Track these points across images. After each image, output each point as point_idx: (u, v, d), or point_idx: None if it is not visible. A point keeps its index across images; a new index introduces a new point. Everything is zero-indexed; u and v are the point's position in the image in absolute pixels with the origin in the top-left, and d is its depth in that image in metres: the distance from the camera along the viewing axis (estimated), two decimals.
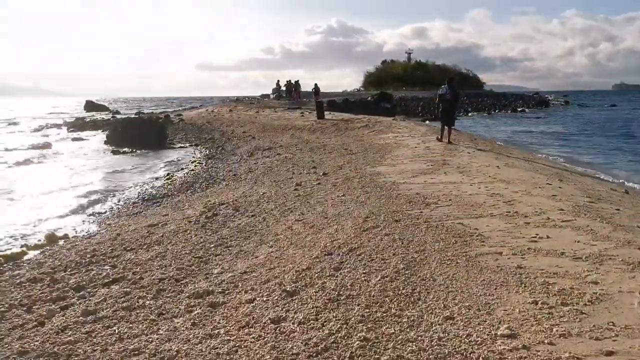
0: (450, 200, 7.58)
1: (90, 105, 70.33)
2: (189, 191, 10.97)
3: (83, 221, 8.94)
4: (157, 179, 13.48)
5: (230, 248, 6.11)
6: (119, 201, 10.55)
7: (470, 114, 52.63)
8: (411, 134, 18.05)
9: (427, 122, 35.93)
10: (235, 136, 23.76)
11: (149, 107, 78.68)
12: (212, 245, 6.27)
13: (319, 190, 9.31)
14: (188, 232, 7.09)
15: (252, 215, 7.77)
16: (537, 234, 5.45)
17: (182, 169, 15.48)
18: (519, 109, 60.78)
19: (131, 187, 12.30)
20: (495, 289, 4.09)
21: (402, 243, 5.52)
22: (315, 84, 37.60)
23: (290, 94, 41.61)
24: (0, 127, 37.43)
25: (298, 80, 40.33)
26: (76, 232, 8.06)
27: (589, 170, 14.56)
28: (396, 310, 3.81)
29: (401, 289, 4.22)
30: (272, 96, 46.24)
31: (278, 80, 45.48)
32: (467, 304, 3.82)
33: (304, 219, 7.21)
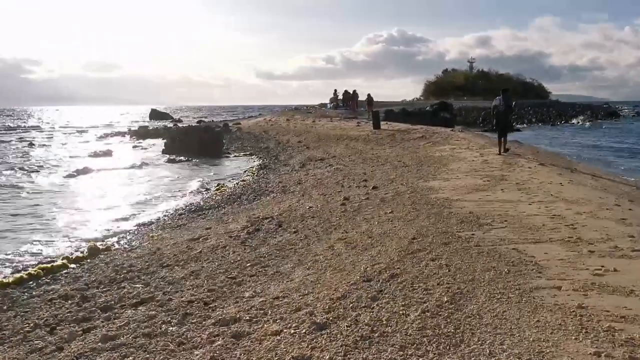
0: (505, 221, 7.02)
1: (155, 114, 72.72)
2: (235, 203, 10.81)
3: (128, 232, 8.93)
4: (207, 189, 13.45)
5: (266, 268, 5.82)
6: (167, 212, 10.53)
7: (533, 125, 50.70)
8: (469, 145, 17.34)
9: (488, 133, 34.78)
10: (290, 146, 23.69)
11: (211, 116, 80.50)
12: (248, 265, 6.00)
13: (367, 206, 8.92)
14: (227, 248, 6.87)
15: (295, 232, 7.47)
16: (603, 266, 4.84)
17: (234, 179, 15.45)
18: (588, 121, 58.06)
19: (181, 196, 12.30)
20: (551, 333, 3.57)
21: (449, 270, 5.06)
22: (369, 94, 37.14)
23: (347, 104, 41.31)
24: (69, 135, 39.10)
25: (355, 90, 39.95)
26: (119, 244, 8.02)
27: None
28: (434, 354, 3.38)
29: (442, 327, 3.78)
30: (329, 105, 46.08)
31: (335, 90, 45.26)
32: (517, 351, 3.33)
33: (347, 237, 6.84)
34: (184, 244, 7.39)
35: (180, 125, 48.85)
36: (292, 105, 74.82)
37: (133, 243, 7.96)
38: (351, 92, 40.75)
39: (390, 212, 8.18)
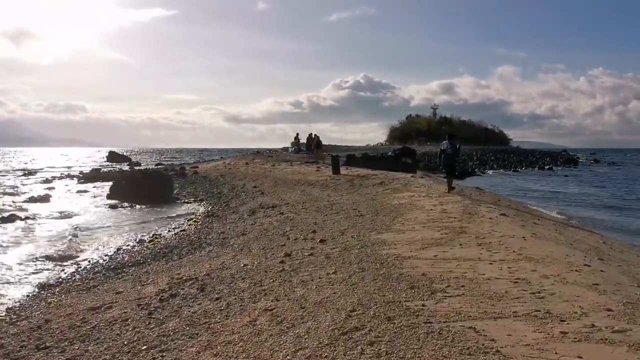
0: (462, 286, 5.99)
1: (113, 156, 70.81)
2: (164, 259, 9.58)
3: (27, 296, 7.59)
4: (141, 240, 12.13)
5: (163, 354, 4.61)
6: (83, 269, 9.21)
7: (495, 170, 50.87)
8: (428, 193, 16.49)
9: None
10: (244, 191, 22.54)
11: (172, 159, 78.88)
12: (143, 348, 4.78)
13: (308, 264, 7.80)
14: (128, 322, 5.63)
15: (217, 299, 6.28)
16: (581, 356, 3.82)
17: (175, 228, 14.18)
18: (547, 167, 58.77)
19: (107, 250, 10.96)
20: None
21: None
22: (315, 135, 36.30)
23: (309, 148, 40.52)
24: (15, 177, 37.08)
25: (317, 135, 39.27)
26: (7, 312, 6.68)
27: (636, 241, 12.77)
28: None
29: None
30: (290, 150, 45.27)
31: (297, 134, 44.55)
32: None
33: (275, 307, 5.69)
34: (80, 314, 6.12)
35: (137, 168, 47.25)
36: (258, 148, 73.92)
37: (23, 312, 6.63)
38: (313, 136, 40.02)
39: (333, 273, 7.08)
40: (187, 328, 5.27)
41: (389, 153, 42.01)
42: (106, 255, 10.42)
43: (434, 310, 5.12)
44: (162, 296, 6.53)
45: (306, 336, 4.67)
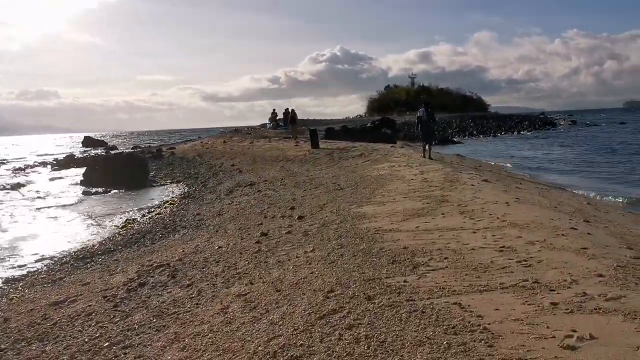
0: (446, 258, 5.69)
1: (88, 141, 69.21)
2: (136, 245, 9.17)
3: None
4: (113, 225, 11.69)
5: (126, 351, 4.25)
6: (50, 260, 8.76)
7: (474, 137, 50.83)
8: (408, 162, 16.21)
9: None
10: (222, 170, 22.09)
11: (149, 141, 77.58)
12: (105, 345, 4.41)
13: (286, 243, 7.47)
14: (91, 316, 5.25)
15: (188, 286, 5.92)
16: (574, 330, 3.53)
17: (150, 212, 13.72)
18: (526, 131, 58.94)
19: (77, 238, 10.50)
20: None
21: (368, 347, 3.64)
22: (291, 110, 35.42)
23: (287, 123, 39.95)
24: None
25: (294, 109, 38.61)
26: None
27: (617, 201, 12.62)
28: None
29: None
30: (269, 125, 44.65)
31: (274, 109, 43.95)
32: None
33: (249, 292, 5.35)
34: (42, 310, 5.72)
35: (113, 152, 46.26)
36: (236, 126, 72.79)
37: None
38: (290, 111, 39.39)
39: (311, 251, 6.75)
40: (154, 320, 4.91)
41: (368, 124, 41.61)
42: (76, 244, 9.96)
43: (417, 287, 4.81)
44: (129, 286, 6.15)
45: (280, 322, 4.33)
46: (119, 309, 5.37)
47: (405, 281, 5.01)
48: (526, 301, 4.17)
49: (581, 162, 24.50)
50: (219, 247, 7.82)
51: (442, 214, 8.37)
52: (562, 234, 6.41)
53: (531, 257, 5.42)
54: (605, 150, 29.87)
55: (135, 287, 6.11)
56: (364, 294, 4.76)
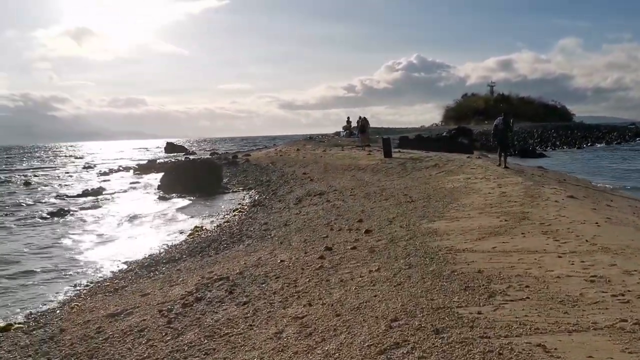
0: (527, 287, 5.07)
1: (170, 147, 72.03)
2: (200, 254, 9.06)
3: (53, 299, 7.19)
4: (181, 232, 11.72)
5: None
6: (115, 267, 8.80)
7: (558, 149, 48.26)
8: (486, 175, 15.34)
9: (508, 158, 32.63)
10: (293, 178, 21.99)
11: (227, 147, 79.61)
12: None
13: (350, 260, 7.04)
14: (143, 333, 5.06)
15: (244, 304, 5.63)
16: None
17: (219, 219, 13.72)
18: (615, 142, 55.33)
19: (145, 245, 10.56)
20: None
21: None
22: (363, 118, 34.71)
23: (360, 131, 39.55)
24: (76, 171, 38.10)
25: (365, 118, 38.16)
26: (28, 319, 6.28)
27: None
28: None
29: None
30: (342, 134, 44.46)
31: (348, 117, 43.66)
32: None
33: (306, 315, 4.97)
34: (98, 322, 5.61)
35: (191, 158, 47.69)
36: (313, 134, 73.33)
37: (42, 318, 6.21)
38: (363, 119, 38.95)
39: (376, 270, 6.29)
40: (205, 341, 4.63)
41: (444, 134, 40.52)
42: (144, 251, 10.02)
43: (493, 320, 4.25)
44: (186, 300, 5.93)
45: (336, 355, 3.92)
46: (172, 325, 5.15)
47: (479, 312, 4.45)
48: (626, 348, 3.52)
49: None
50: (281, 261, 7.52)
51: (522, 233, 7.65)
52: None
53: (629, 291, 4.70)
54: None
55: (192, 301, 5.89)
56: (432, 325, 4.26)
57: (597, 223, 8.04)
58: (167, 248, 10.03)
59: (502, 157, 17.89)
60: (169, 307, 5.76)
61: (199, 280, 6.88)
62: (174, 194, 19.60)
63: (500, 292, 4.97)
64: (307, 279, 6.30)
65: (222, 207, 16.28)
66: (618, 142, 55.17)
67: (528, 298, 4.74)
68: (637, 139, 62.05)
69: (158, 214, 15.12)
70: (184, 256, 9.04)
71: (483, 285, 5.25)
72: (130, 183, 25.14)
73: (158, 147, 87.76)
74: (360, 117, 38.19)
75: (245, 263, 7.70)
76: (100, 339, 5.03)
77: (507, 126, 17.80)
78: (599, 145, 52.21)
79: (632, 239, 6.87)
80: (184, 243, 10.38)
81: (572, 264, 5.79)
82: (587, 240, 6.84)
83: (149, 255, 9.46)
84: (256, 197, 17.50)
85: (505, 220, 8.65)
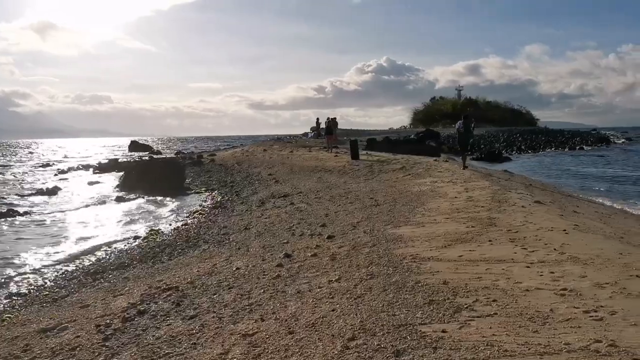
0: (494, 301, 4.74)
1: (134, 146, 70.50)
2: (151, 260, 8.51)
3: None
4: (136, 236, 11.10)
5: None
6: (60, 274, 8.18)
7: (523, 152, 48.86)
8: (452, 178, 15.14)
9: (476, 162, 32.80)
10: (258, 179, 21.49)
11: (194, 147, 78.40)
12: None
13: (309, 269, 6.63)
14: (75, 352, 4.54)
15: (191, 318, 5.15)
16: None
17: (177, 221, 13.14)
18: (577, 147, 56.37)
19: (93, 249, 9.93)
20: None
21: None
22: (332, 119, 34.39)
23: (327, 133, 39.19)
24: (33, 169, 36.75)
25: (333, 118, 37.83)
26: None
27: None
28: None
29: None
30: (310, 135, 44.09)
31: (318, 119, 43.23)
32: None
33: (257, 331, 4.53)
34: (27, 338, 5.06)
35: (155, 157, 46.61)
36: (282, 134, 72.79)
37: None
38: (332, 121, 38.61)
39: (336, 280, 5.90)
40: None
41: (412, 136, 40.53)
42: (91, 256, 9.40)
43: (458, 340, 3.89)
44: (128, 313, 5.42)
45: None
46: (107, 344, 4.64)
47: (444, 331, 4.09)
48: None
49: (634, 182, 22.75)
50: (237, 268, 7.06)
51: (490, 240, 7.37)
52: (637, 275, 5.34)
53: (602, 307, 4.40)
54: None
55: (134, 315, 5.38)
56: (393, 346, 3.88)
57: (565, 230, 7.81)
58: (117, 253, 9.43)
59: (465, 160, 18.99)
60: (108, 321, 5.24)
61: (146, 290, 6.37)
62: (133, 195, 18.86)
63: (467, 307, 4.63)
64: (262, 290, 5.86)
65: (183, 208, 15.67)
66: (581, 147, 56.16)
67: (496, 314, 4.41)
68: (600, 144, 63.36)
69: (113, 216, 14.42)
70: (135, 262, 8.47)
71: (448, 298, 4.90)
72: (88, 183, 24.20)
73: (122, 146, 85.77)
74: (328, 119, 37.93)
75: (198, 271, 7.20)
76: (26, 359, 4.50)
77: (467, 129, 18.28)
78: (562, 150, 53.06)
79: (601, 247, 6.63)
80: (136, 247, 9.78)
81: (541, 275, 5.50)
82: (555, 249, 6.58)
83: (97, 261, 8.86)
84: (219, 199, 16.94)
85: (472, 226, 8.37)
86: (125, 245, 10.15)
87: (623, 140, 77.18)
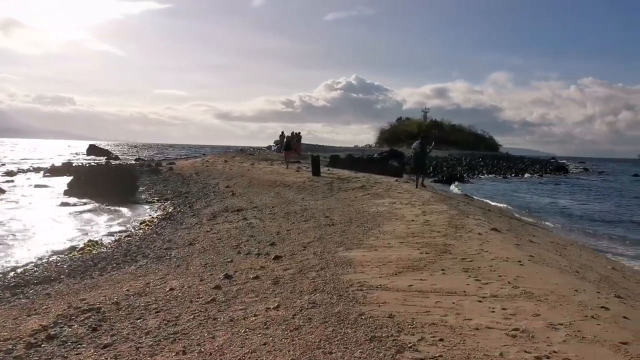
0: (440, 340, 4.33)
1: (92, 150, 68.56)
2: (82, 275, 7.86)
3: None
4: (73, 246, 10.37)
5: None
6: None
7: (484, 177, 49.43)
8: (411, 200, 14.85)
9: (437, 184, 32.87)
10: (215, 191, 20.85)
11: (155, 154, 76.88)
12: None
13: (248, 293, 6.13)
14: None
15: (105, 347, 4.58)
16: None
17: (121, 232, 12.43)
18: (537, 174, 57.43)
19: (25, 261, 9.16)
20: None
21: None
22: (296, 134, 34.21)
23: (285, 148, 38.77)
24: None
25: (299, 133, 37.48)
26: None
27: None
28: None
29: None
30: (274, 148, 43.59)
31: (282, 132, 42.76)
32: None
33: None
34: None
35: (112, 162, 45.31)
36: (246, 146, 71.92)
37: None
38: (296, 135, 38.23)
39: (274, 308, 5.41)
40: None
41: (375, 155, 40.46)
42: (17, 267, 8.64)
43: None
44: (36, 337, 4.81)
45: None
46: None
47: None
48: None
49: (594, 212, 23.05)
50: (171, 289, 6.49)
51: (443, 269, 7.00)
52: (592, 316, 5.02)
53: (555, 352, 4.05)
54: (620, 203, 28.31)
55: (42, 340, 4.77)
56: None
57: (520, 261, 7.52)
58: (46, 265, 8.70)
59: (418, 179, 18.89)
60: (10, 347, 4.62)
61: (64, 309, 5.74)
62: (80, 201, 17.96)
63: (410, 347, 4.21)
64: (192, 316, 5.32)
65: (130, 218, 14.92)
66: (540, 175, 57.23)
67: (441, 357, 4.00)
68: (559, 172, 64.71)
69: (54, 223, 13.58)
70: (62, 276, 7.79)
71: (392, 335, 4.47)
72: (36, 186, 23.10)
73: (81, 150, 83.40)
74: (292, 133, 37.52)
75: (128, 290, 6.60)
76: None
77: (424, 150, 18.68)
78: (522, 176, 53.91)
79: (556, 282, 6.33)
80: (69, 259, 9.08)
81: (493, 311, 5.14)
82: (509, 282, 6.25)
83: (21, 273, 8.11)
84: (170, 210, 16.25)
85: (426, 253, 8.01)
86: (57, 257, 9.42)
87: (581, 169, 79.23)
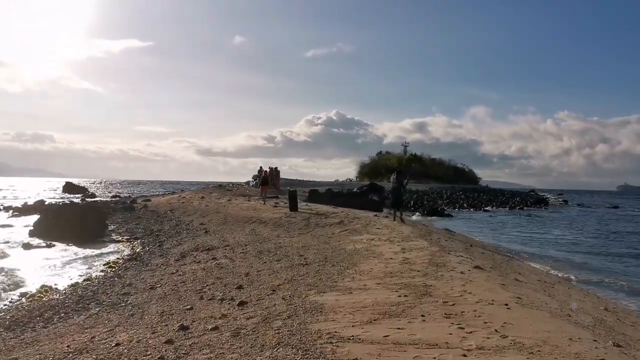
0: None
1: (69, 187, 67.39)
2: (23, 328, 7.07)
3: None
4: (23, 293, 9.54)
5: None
6: None
7: (464, 210, 49.16)
8: (390, 236, 14.24)
9: (417, 217, 32.43)
10: (188, 229, 20.12)
11: (133, 191, 75.68)
12: None
13: (203, 348, 5.40)
14: None
15: None
16: None
17: (82, 275, 11.59)
18: (517, 207, 57.42)
19: None
20: None
21: None
22: (274, 169, 33.80)
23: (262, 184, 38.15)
24: None
25: (277, 168, 36.96)
26: None
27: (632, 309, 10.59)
28: None
29: None
30: (252, 183, 42.94)
31: (261, 167, 42.21)
32: None
33: None
34: None
35: (90, 200, 44.34)
36: (224, 181, 71.23)
37: None
38: (274, 170, 37.67)
39: None
40: None
41: (355, 189, 40.00)
42: None
43: None
44: None
45: None
46: None
47: None
48: None
49: (574, 244, 22.67)
50: (117, 344, 5.73)
51: (422, 315, 6.34)
52: None
53: None
54: (605, 236, 28.03)
55: None
56: None
57: (507, 304, 6.88)
58: None
59: (395, 213, 18.83)
60: None
61: None
62: (43, 242, 17.05)
63: None
64: None
65: (95, 260, 14.08)
66: (520, 208, 57.19)
67: None
68: (539, 205, 64.85)
69: (9, 266, 12.67)
70: (0, 329, 6.97)
71: None
72: (1, 226, 22.08)
73: (56, 187, 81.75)
74: (270, 168, 36.94)
75: (69, 346, 5.82)
76: None
77: (401, 184, 18.73)
78: (503, 209, 53.81)
79: (548, 330, 5.69)
80: (14, 308, 8.25)
81: None
82: (497, 330, 5.60)
83: None
84: (138, 250, 15.45)
85: (405, 296, 7.36)
86: (3, 305, 8.57)
87: (561, 202, 79.69)
